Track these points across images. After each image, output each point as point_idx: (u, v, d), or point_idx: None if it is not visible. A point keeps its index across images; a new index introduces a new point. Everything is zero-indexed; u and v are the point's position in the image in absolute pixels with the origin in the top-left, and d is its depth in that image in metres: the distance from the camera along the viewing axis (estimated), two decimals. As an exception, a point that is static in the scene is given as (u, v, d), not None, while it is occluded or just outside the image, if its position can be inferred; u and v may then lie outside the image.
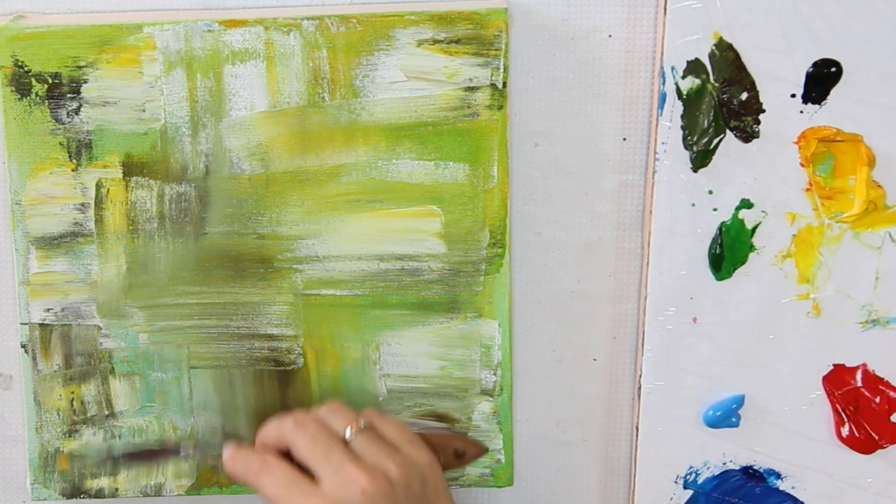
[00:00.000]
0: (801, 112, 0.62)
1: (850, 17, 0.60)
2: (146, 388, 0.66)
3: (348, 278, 0.64)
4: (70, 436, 0.66)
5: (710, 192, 0.63)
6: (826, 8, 0.60)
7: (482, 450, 0.66)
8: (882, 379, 0.66)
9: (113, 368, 0.65)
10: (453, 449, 0.65)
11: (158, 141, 0.63)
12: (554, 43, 0.63)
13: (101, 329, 0.65)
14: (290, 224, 0.64)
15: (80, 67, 0.62)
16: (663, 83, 0.62)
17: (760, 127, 0.62)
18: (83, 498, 0.67)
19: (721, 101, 0.62)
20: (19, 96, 0.62)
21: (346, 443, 0.59)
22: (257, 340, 0.65)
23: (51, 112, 0.62)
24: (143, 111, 0.62)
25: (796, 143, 0.63)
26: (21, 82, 0.62)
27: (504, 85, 0.62)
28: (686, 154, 0.63)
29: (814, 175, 0.63)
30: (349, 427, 0.60)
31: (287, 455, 0.60)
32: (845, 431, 0.66)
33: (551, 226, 0.66)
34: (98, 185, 0.63)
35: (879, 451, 0.67)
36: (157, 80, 0.62)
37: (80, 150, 0.63)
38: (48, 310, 0.64)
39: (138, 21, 0.61)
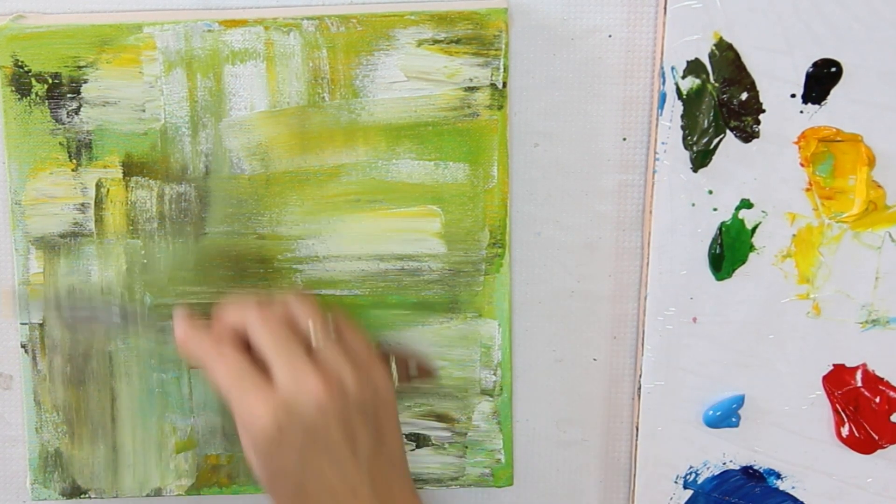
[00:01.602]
0: (801, 112, 0.62)
1: (850, 17, 0.61)
2: (146, 389, 0.65)
3: (348, 278, 0.64)
4: (70, 437, 0.66)
5: (710, 192, 0.63)
6: (826, 8, 0.60)
7: (434, 373, 0.65)
8: (882, 379, 0.66)
9: (112, 368, 0.65)
10: (407, 366, 0.64)
11: (158, 141, 0.63)
12: (554, 43, 0.63)
13: (101, 329, 0.65)
14: (290, 224, 0.64)
15: (80, 67, 0.62)
16: (663, 83, 0.62)
17: (760, 127, 0.62)
18: (83, 498, 0.67)
19: (721, 101, 0.62)
20: (19, 96, 0.62)
21: (308, 342, 0.57)
22: (257, 340, 0.65)
23: (51, 112, 0.62)
24: (143, 111, 0.62)
25: (796, 143, 0.63)
26: (21, 82, 0.62)
27: (504, 85, 0.62)
28: (686, 154, 0.63)
29: (814, 175, 0.63)
30: (314, 328, 0.58)
31: (244, 338, 0.58)
32: (845, 431, 0.66)
33: (551, 226, 0.66)
34: (98, 185, 0.63)
35: (879, 451, 0.67)
36: (157, 80, 0.62)
37: (80, 150, 0.63)
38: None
39: (138, 21, 0.61)
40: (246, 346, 0.58)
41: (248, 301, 0.59)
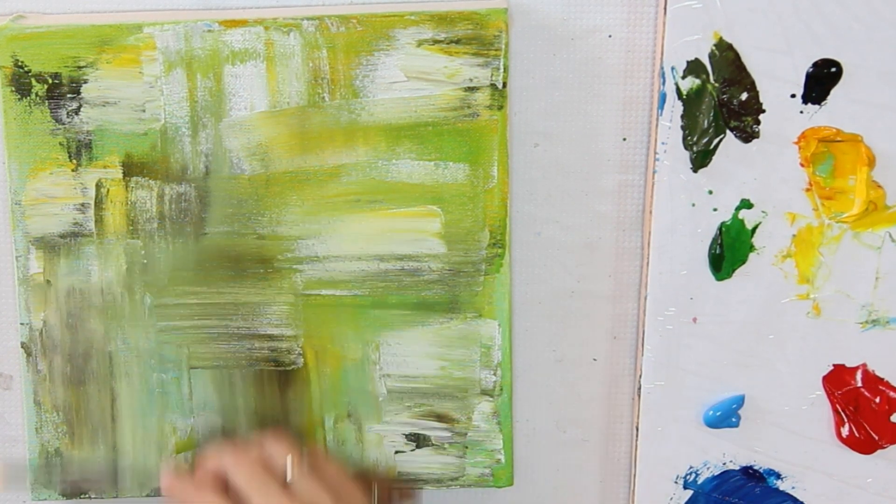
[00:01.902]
0: (801, 112, 0.62)
1: (850, 17, 0.61)
2: (146, 389, 0.66)
3: (348, 278, 0.64)
4: (70, 437, 0.66)
5: (710, 192, 0.63)
6: (826, 8, 0.60)
7: (414, 496, 0.67)
8: (882, 379, 0.66)
9: (112, 368, 0.65)
10: (388, 493, 0.66)
11: (158, 141, 0.63)
12: (554, 43, 0.63)
13: (101, 329, 0.65)
14: (290, 224, 0.64)
15: (80, 67, 0.62)
16: (663, 83, 0.62)
17: (760, 127, 0.62)
18: (83, 498, 0.67)
19: (721, 101, 0.62)
20: (19, 96, 0.62)
21: (284, 479, 0.60)
22: (257, 340, 0.65)
23: (51, 112, 0.62)
24: (143, 111, 0.62)
25: (796, 143, 0.63)
26: (21, 82, 0.62)
27: (504, 85, 0.62)
28: (686, 154, 0.63)
29: (814, 175, 0.63)
30: (288, 464, 0.60)
31: (224, 481, 0.61)
32: (845, 431, 0.66)
33: (551, 226, 0.66)
34: (98, 186, 0.63)
35: (879, 451, 0.67)
36: (157, 80, 0.62)
37: (80, 151, 0.63)
38: (48, 310, 0.65)
39: (138, 21, 0.61)
40: (226, 489, 0.60)
41: (225, 446, 0.62)
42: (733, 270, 0.64)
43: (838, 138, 0.62)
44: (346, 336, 0.65)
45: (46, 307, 0.64)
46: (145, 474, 0.67)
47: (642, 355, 0.66)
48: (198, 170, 0.63)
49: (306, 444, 0.63)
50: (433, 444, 0.67)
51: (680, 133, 0.63)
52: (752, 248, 0.64)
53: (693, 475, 0.67)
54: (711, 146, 0.63)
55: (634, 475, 0.68)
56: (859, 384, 0.66)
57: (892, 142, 0.62)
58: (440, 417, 0.67)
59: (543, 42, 0.63)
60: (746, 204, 0.63)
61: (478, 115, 0.63)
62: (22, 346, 0.65)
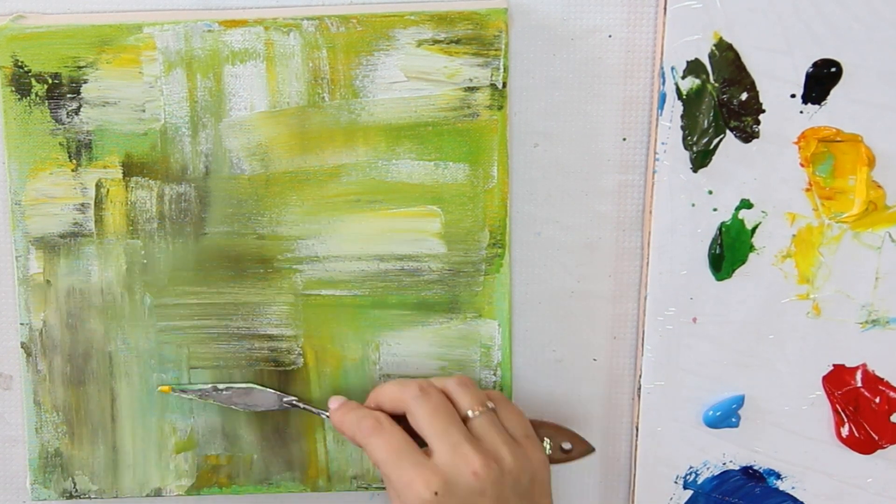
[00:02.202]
0: (801, 112, 0.62)
1: (850, 17, 0.61)
2: (146, 389, 0.65)
3: (348, 278, 0.64)
4: (70, 437, 0.66)
5: (710, 193, 0.63)
6: (826, 8, 0.60)
7: (589, 448, 0.65)
8: (882, 379, 0.66)
9: (112, 368, 0.65)
10: (561, 443, 0.65)
11: (158, 141, 0.63)
12: (554, 43, 0.63)
13: (101, 329, 0.65)
14: (290, 224, 0.64)
15: (80, 67, 0.62)
16: (663, 83, 0.62)
17: (760, 127, 0.62)
18: (83, 498, 0.67)
19: (721, 101, 0.62)
20: (19, 96, 0.62)
21: (466, 421, 0.59)
22: (257, 340, 0.65)
23: (51, 112, 0.62)
24: (143, 111, 0.62)
25: (796, 143, 0.63)
26: (21, 82, 0.62)
27: (504, 85, 0.62)
28: (686, 154, 0.63)
29: (814, 175, 0.63)
30: (474, 407, 0.60)
31: (399, 418, 0.60)
32: (845, 431, 0.66)
33: (551, 226, 0.66)
34: (98, 186, 0.63)
35: (879, 451, 0.67)
36: (156, 80, 0.62)
37: (80, 151, 0.63)
38: (48, 310, 0.65)
39: (138, 21, 0.61)
40: (402, 423, 0.60)
41: (408, 383, 0.61)
42: (733, 270, 0.64)
43: (838, 138, 0.62)
44: (346, 336, 0.65)
45: (46, 307, 0.64)
46: (145, 474, 0.66)
47: (642, 355, 0.66)
48: (198, 170, 0.63)
49: (490, 392, 0.62)
50: (433, 444, 0.67)
51: (680, 133, 0.63)
52: (752, 248, 0.64)
53: (693, 475, 0.67)
54: (711, 146, 0.63)
55: (634, 475, 0.68)
56: (859, 384, 0.66)
57: (892, 142, 0.62)
58: (440, 417, 0.67)
59: (543, 42, 0.63)
60: (746, 204, 0.63)
61: (478, 115, 0.63)
62: (22, 346, 0.65)
